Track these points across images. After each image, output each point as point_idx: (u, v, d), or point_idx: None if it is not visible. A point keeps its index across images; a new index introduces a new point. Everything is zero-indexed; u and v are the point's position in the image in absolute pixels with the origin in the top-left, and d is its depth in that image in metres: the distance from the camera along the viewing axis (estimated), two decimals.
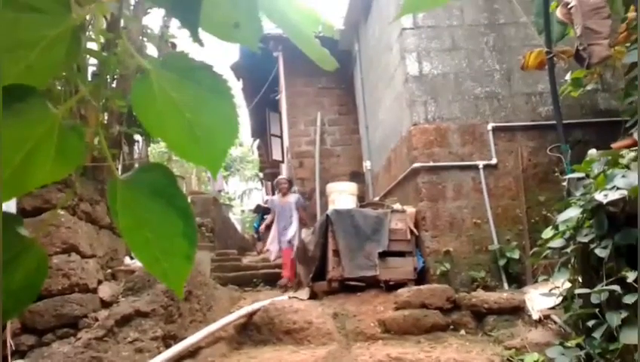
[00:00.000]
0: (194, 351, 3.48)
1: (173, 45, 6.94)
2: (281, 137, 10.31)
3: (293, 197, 6.58)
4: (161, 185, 0.62)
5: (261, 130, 12.12)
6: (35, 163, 0.57)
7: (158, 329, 3.30)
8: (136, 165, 6.96)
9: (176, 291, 0.66)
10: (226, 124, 0.63)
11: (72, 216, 3.54)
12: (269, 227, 6.77)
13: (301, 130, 8.51)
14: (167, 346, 3.28)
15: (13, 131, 0.55)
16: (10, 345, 2.80)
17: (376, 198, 6.27)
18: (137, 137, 6.70)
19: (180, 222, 0.63)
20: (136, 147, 7.16)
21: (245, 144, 21.69)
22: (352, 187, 6.50)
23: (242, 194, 22.25)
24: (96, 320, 3.32)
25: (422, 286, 4.11)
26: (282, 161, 10.36)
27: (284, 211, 6.47)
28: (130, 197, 0.61)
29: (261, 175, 17.54)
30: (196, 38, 0.56)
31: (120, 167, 6.04)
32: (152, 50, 6.38)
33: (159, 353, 3.10)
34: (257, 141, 14.35)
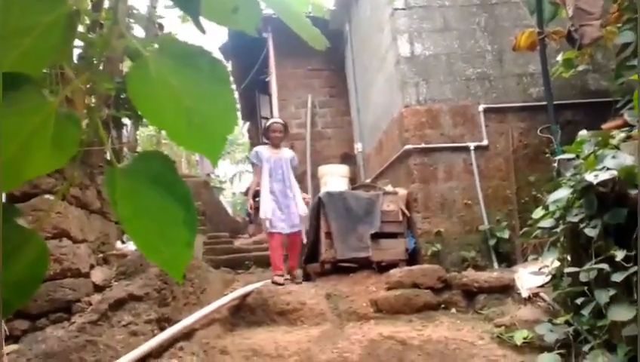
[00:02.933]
0: (188, 333, 3.51)
1: (161, 26, 6.80)
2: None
3: (288, 153, 4.80)
4: (160, 173, 0.61)
5: (251, 113, 12.01)
6: (32, 152, 0.56)
7: (152, 313, 3.31)
8: (125, 149, 6.88)
9: (176, 278, 0.67)
10: (225, 112, 0.62)
11: (62, 201, 3.50)
12: (256, 194, 4.76)
13: (292, 113, 8.44)
14: (162, 329, 3.29)
15: (8, 120, 0.54)
16: (5, 330, 2.80)
17: (368, 180, 6.29)
18: (125, 121, 6.61)
19: (181, 209, 0.63)
20: (124, 130, 7.08)
21: (235, 127, 21.48)
22: (343, 169, 6.52)
23: (233, 177, 22.17)
24: (90, 304, 3.33)
25: (413, 267, 4.16)
26: None
27: (277, 169, 4.58)
28: (129, 185, 0.60)
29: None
30: (198, 25, 0.55)
31: (109, 150, 5.97)
32: (138, 31, 6.26)
33: (154, 336, 3.12)
34: (247, 124, 14.23)
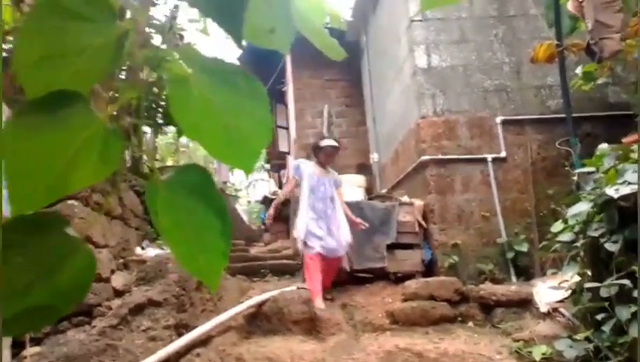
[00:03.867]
0: (205, 340, 3.54)
1: (181, 37, 6.95)
2: (287, 129, 10.33)
3: (333, 174, 4.50)
4: (199, 186, 0.65)
5: None
6: (79, 166, 0.59)
7: (170, 318, 3.35)
8: (145, 156, 6.99)
9: (211, 286, 0.69)
10: (260, 128, 0.65)
11: (85, 207, 3.59)
12: (284, 204, 4.58)
13: (308, 122, 8.51)
14: (180, 335, 3.33)
15: (59, 136, 0.57)
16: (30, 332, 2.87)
17: (384, 191, 6.29)
18: (145, 128, 6.75)
19: (218, 221, 0.66)
20: (144, 138, 7.22)
21: None
22: (359, 179, 6.53)
23: (248, 185, 22.32)
24: (110, 308, 3.38)
25: (430, 279, 4.14)
26: (289, 153, 10.39)
27: (319, 186, 4.25)
28: (170, 198, 0.63)
29: (267, 166, 17.56)
30: (239, 44, 0.58)
31: (129, 157, 6.10)
32: (158, 40, 6.40)
33: (172, 341, 3.15)
34: None
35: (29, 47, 0.57)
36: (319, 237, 4.12)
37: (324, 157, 4.37)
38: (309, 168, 4.34)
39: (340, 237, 4.19)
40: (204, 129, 0.63)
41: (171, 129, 7.33)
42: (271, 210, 4.51)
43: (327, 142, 4.44)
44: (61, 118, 0.58)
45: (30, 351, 2.83)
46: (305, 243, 4.16)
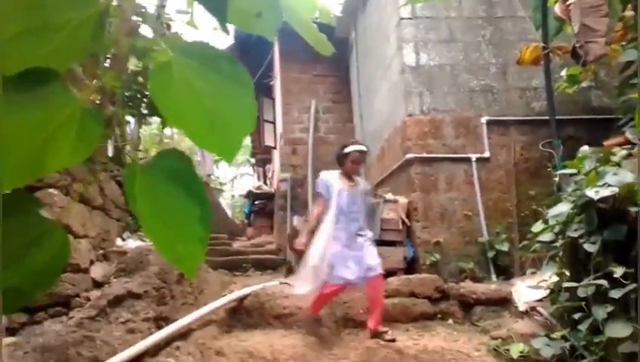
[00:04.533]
0: (185, 333, 3.51)
1: (168, 26, 6.84)
2: (274, 123, 10.29)
3: (363, 184, 3.85)
4: (178, 171, 0.63)
5: None
6: (56, 146, 0.57)
7: (150, 311, 3.31)
8: (128, 147, 6.90)
9: (188, 275, 0.68)
10: (243, 114, 0.64)
11: (65, 196, 3.52)
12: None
13: (295, 117, 8.49)
14: (159, 327, 3.30)
15: (36, 114, 0.55)
16: (5, 322, 2.80)
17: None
18: (129, 118, 6.64)
19: (196, 207, 0.65)
20: (127, 128, 7.10)
21: None
22: None
23: (233, 179, 22.20)
24: (89, 299, 3.33)
25: (411, 276, 4.17)
26: (275, 148, 10.35)
27: (352, 206, 3.51)
28: (148, 182, 0.61)
29: (252, 161, 17.47)
30: (224, 28, 0.57)
31: (111, 147, 6.00)
32: (145, 29, 6.29)
33: (151, 334, 3.12)
34: None
35: (5, 23, 0.55)
36: (346, 265, 3.41)
37: (350, 165, 3.54)
38: (336, 183, 3.52)
39: (367, 261, 3.45)
40: (186, 114, 0.62)
41: (155, 120, 7.22)
42: (302, 238, 3.51)
43: (353, 147, 3.56)
44: (38, 97, 0.56)
45: (5, 341, 2.76)
46: (328, 273, 3.36)
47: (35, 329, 3.02)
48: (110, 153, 5.79)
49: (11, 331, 3.03)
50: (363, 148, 3.63)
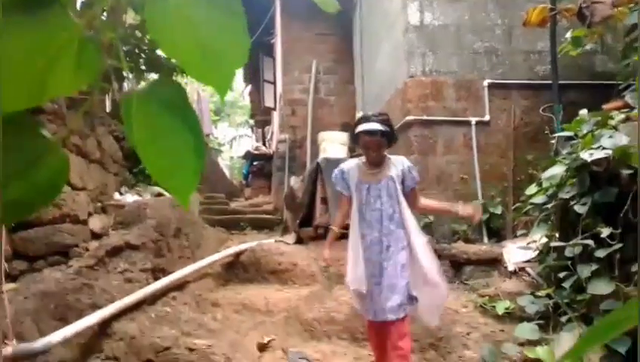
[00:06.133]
0: (182, 285, 3.61)
1: None
2: (274, 84, 10.15)
3: (395, 165, 2.58)
4: (174, 100, 0.64)
5: (254, 76, 11.88)
6: (56, 71, 0.58)
7: (147, 262, 3.39)
8: None
9: (183, 204, 0.70)
10: (236, 46, 0.64)
11: (62, 148, 3.52)
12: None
13: (295, 77, 8.37)
14: (156, 278, 3.38)
15: (36, 36, 0.56)
16: (5, 269, 2.87)
17: None
18: (127, 74, 6.55)
19: (191, 137, 0.66)
20: (125, 83, 7.02)
21: (237, 89, 21.30)
22: (343, 137, 6.53)
23: (232, 140, 22.09)
24: (87, 250, 3.40)
25: None
26: (274, 109, 10.26)
27: (373, 200, 2.51)
28: (145, 110, 0.62)
29: (252, 122, 17.35)
30: None
31: (109, 102, 5.94)
32: None
33: (148, 284, 3.21)
34: (249, 87, 14.09)
35: None
36: (362, 293, 2.44)
37: (366, 153, 2.53)
38: (354, 173, 2.57)
39: (399, 282, 2.36)
40: (180, 44, 0.62)
41: (154, 76, 7.13)
42: (326, 249, 2.74)
43: (362, 127, 2.46)
44: (38, 20, 0.56)
45: (6, 286, 2.84)
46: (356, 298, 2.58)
47: (35, 277, 3.09)
48: (108, 108, 5.74)
49: (12, 278, 3.11)
50: (373, 127, 2.40)
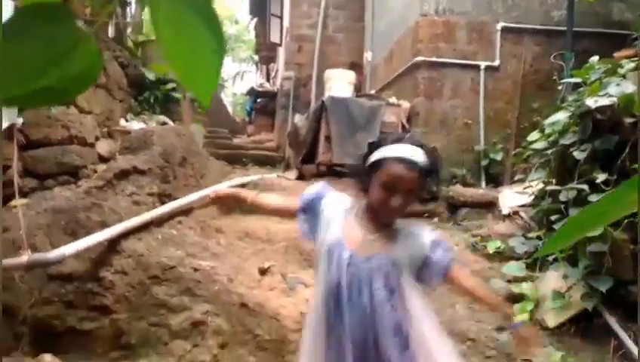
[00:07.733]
0: (187, 211, 3.73)
1: None
2: (281, 18, 9.83)
3: (408, 246, 1.42)
4: (198, 3, 0.67)
5: (260, 8, 11.48)
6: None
7: (154, 187, 3.48)
8: (129, 28, 6.67)
9: (203, 102, 0.75)
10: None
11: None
12: None
13: (303, 12, 8.10)
14: (162, 203, 3.50)
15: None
16: (18, 184, 2.97)
17: (373, 91, 6.26)
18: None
19: (212, 38, 0.70)
20: (128, 9, 6.82)
21: (241, 22, 20.62)
22: (350, 75, 6.45)
23: (235, 76, 21.68)
24: (95, 172, 3.49)
25: None
26: (280, 45, 10.01)
27: (361, 291, 1.32)
28: (169, 8, 0.66)
29: (256, 57, 16.95)
30: None
31: (112, 27, 5.81)
32: None
33: (155, 207, 3.32)
34: (255, 20, 13.64)
35: None
36: None
37: (381, 194, 1.36)
38: (337, 215, 1.45)
39: None
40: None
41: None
42: (221, 191, 1.74)
43: (394, 150, 1.38)
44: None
45: (17, 202, 2.95)
46: None
47: (46, 194, 3.20)
48: (111, 33, 5.63)
49: (22, 194, 3.21)
50: (415, 155, 1.37)
